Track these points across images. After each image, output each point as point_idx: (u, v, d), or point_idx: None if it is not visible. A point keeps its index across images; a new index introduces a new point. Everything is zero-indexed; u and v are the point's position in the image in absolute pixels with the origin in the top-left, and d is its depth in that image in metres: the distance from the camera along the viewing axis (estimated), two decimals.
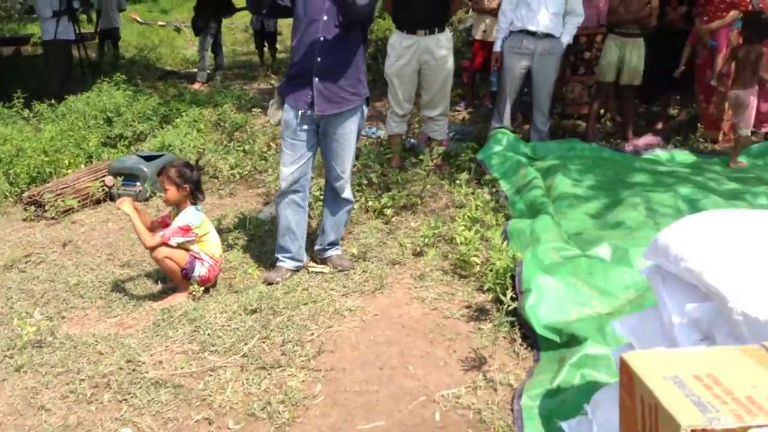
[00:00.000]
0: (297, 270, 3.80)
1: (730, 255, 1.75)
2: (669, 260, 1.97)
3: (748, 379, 0.92)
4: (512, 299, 3.14)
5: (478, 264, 3.68)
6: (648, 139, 6.17)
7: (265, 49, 10.69)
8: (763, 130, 6.09)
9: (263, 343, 3.09)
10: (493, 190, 4.91)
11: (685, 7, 6.27)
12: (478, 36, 7.11)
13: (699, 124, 6.38)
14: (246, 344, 3.07)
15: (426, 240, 4.02)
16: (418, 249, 4.01)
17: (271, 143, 5.88)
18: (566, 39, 5.71)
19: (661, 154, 5.77)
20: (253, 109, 6.85)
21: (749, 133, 5.53)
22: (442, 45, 5.13)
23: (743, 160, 5.49)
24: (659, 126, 6.66)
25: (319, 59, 3.50)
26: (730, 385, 0.90)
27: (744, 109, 5.42)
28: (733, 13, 5.84)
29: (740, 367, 0.97)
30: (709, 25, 5.96)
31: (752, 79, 5.38)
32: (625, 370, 1.02)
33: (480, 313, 3.33)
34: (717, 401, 0.86)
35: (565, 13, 5.65)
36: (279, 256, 3.78)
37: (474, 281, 3.63)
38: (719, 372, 0.95)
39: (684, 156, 5.71)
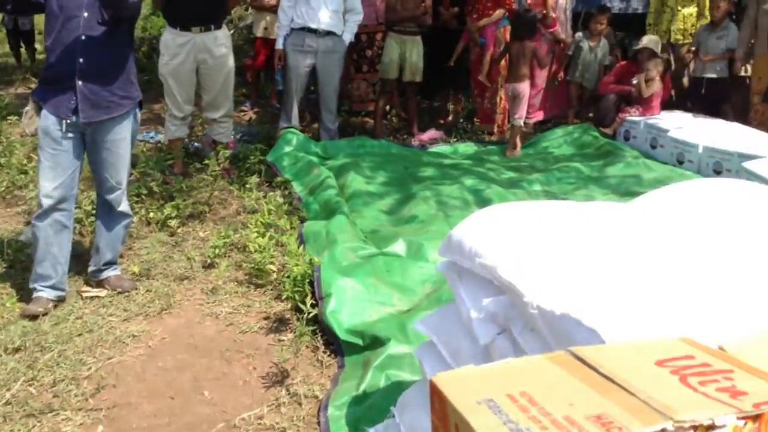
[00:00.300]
0: (59, 300, 3.32)
1: (522, 248, 1.74)
2: (463, 256, 1.93)
3: (563, 394, 0.84)
4: (312, 306, 3.02)
5: (274, 272, 3.51)
6: (432, 133, 6.41)
7: (22, 49, 9.60)
8: (533, 120, 6.57)
9: (30, 385, 2.66)
10: (286, 192, 4.77)
11: (458, 8, 6.58)
12: (259, 33, 6.92)
13: (477, 118, 6.73)
14: (8, 390, 2.62)
15: (217, 250, 3.76)
16: (209, 261, 3.74)
17: (32, 154, 5.20)
18: (348, 37, 5.74)
19: (444, 147, 6.01)
20: (9, 117, 6.05)
21: (522, 123, 5.93)
22: (220, 43, 4.88)
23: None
24: (441, 121, 6.94)
25: (81, 60, 3.11)
26: (546, 404, 0.82)
27: (519, 101, 5.80)
28: (498, 12, 6.22)
29: (552, 381, 0.89)
30: (477, 23, 6.29)
31: (525, 73, 5.78)
32: (435, 394, 0.90)
33: (279, 324, 3.15)
34: (536, 426, 0.77)
35: (345, 11, 5.67)
36: (36, 285, 3.27)
37: (271, 290, 3.45)
38: (532, 389, 0.86)
39: (465, 148, 6.00)
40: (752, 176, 4.41)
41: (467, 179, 4.71)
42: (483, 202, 4.27)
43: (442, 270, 2.11)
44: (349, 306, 3.07)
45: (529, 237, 1.80)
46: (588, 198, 4.47)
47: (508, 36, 6.05)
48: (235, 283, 3.54)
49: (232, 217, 4.44)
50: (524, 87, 5.80)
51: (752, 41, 6.02)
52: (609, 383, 0.89)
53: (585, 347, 1.01)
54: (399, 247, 3.63)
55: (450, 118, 7.00)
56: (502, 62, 6.06)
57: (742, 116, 6.11)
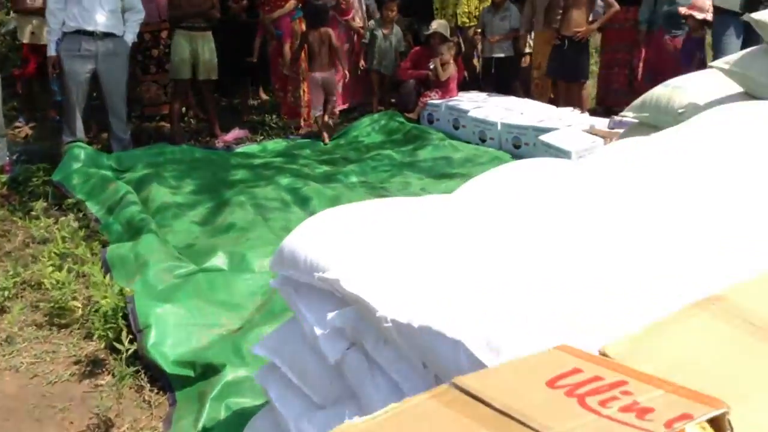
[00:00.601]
0: None
1: (363, 255, 1.62)
2: (299, 270, 1.79)
3: None
4: (130, 341, 2.71)
5: (79, 308, 3.12)
6: (236, 132, 6.20)
7: None
8: (340, 108, 6.56)
9: None
10: (80, 214, 4.29)
11: (247, 1, 6.40)
12: (25, 39, 6.20)
13: (282, 113, 6.59)
14: None
15: (6, 293, 3.27)
16: None
17: None
18: (130, 37, 5.36)
19: (252, 146, 5.84)
20: None
21: (337, 110, 6.03)
22: None
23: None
24: (244, 118, 6.72)
25: None
26: None
27: (332, 87, 5.88)
28: (291, 3, 6.16)
29: (447, 430, 0.77)
30: (270, 15, 6.16)
31: (329, 61, 5.80)
32: None
33: (94, 367, 2.80)
34: None
35: (124, 10, 5.28)
36: None
37: (78, 330, 3.07)
38: None
39: (274, 145, 5.88)
40: (549, 148, 4.71)
41: (282, 178, 4.58)
42: (302, 200, 4.17)
43: (276, 286, 1.96)
44: (173, 335, 2.81)
45: (369, 243, 1.68)
46: (405, 184, 4.53)
47: (304, 27, 5.97)
48: (34, 328, 3.10)
49: (20, 251, 3.90)
50: (332, 74, 5.86)
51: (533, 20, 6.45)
52: (508, 421, 0.78)
53: (468, 377, 0.90)
54: (219, 260, 3.41)
55: (252, 114, 6.79)
56: (302, 54, 6.00)
57: (527, 90, 6.55)
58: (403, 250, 1.58)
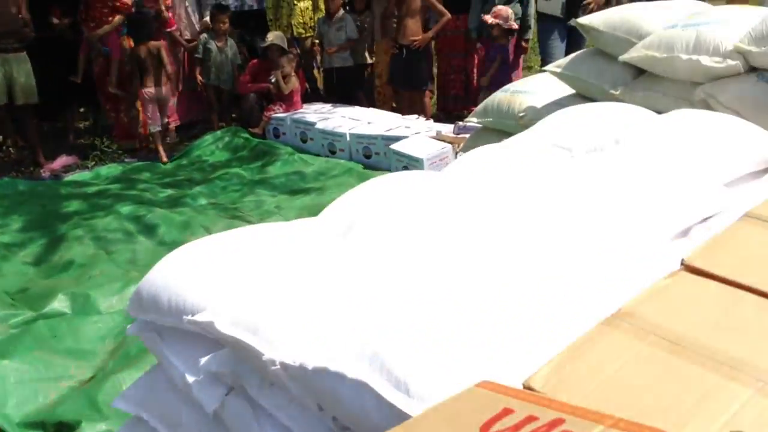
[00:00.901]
0: None
1: (238, 291, 1.50)
2: (163, 314, 1.62)
3: None
4: None
5: None
6: (63, 160, 5.80)
7: None
8: (176, 124, 6.27)
9: None
10: None
11: (70, 18, 6.02)
12: None
13: (113, 135, 6.18)
14: None
15: None
16: None
17: None
18: None
19: (83, 173, 5.48)
20: None
21: (162, 129, 5.81)
22: None
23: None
24: (72, 143, 6.28)
25: None
26: None
27: (165, 103, 5.79)
28: (118, 18, 5.83)
29: None
30: (96, 32, 5.82)
31: (160, 76, 5.70)
32: None
33: None
34: None
35: None
36: None
37: None
38: None
39: (109, 170, 5.55)
40: (400, 156, 4.75)
41: (122, 206, 4.30)
42: (148, 229, 3.93)
43: (136, 333, 1.77)
44: (16, 393, 2.55)
45: (241, 277, 1.56)
46: (258, 203, 4.40)
47: (132, 42, 5.66)
48: None
49: None
50: (166, 89, 5.74)
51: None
52: None
53: (394, 431, 0.83)
54: (61, 303, 3.15)
55: (80, 138, 6.32)
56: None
57: (370, 100, 6.59)
58: (277, 283, 1.48)
